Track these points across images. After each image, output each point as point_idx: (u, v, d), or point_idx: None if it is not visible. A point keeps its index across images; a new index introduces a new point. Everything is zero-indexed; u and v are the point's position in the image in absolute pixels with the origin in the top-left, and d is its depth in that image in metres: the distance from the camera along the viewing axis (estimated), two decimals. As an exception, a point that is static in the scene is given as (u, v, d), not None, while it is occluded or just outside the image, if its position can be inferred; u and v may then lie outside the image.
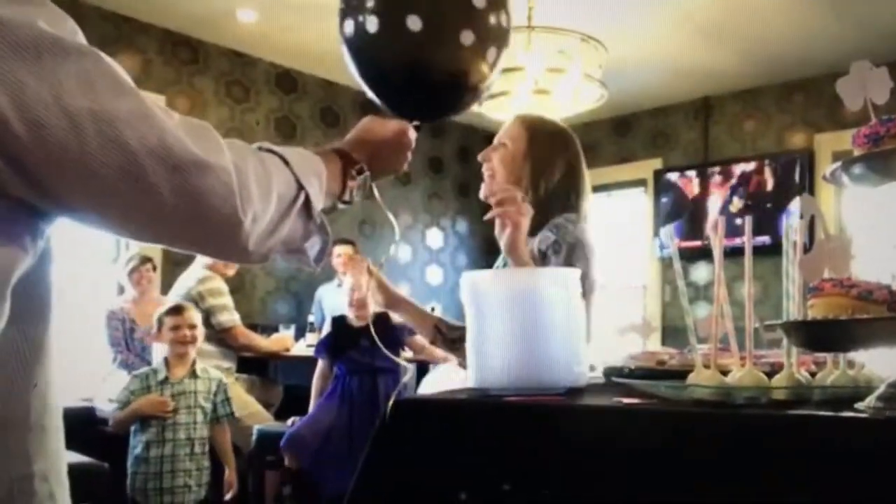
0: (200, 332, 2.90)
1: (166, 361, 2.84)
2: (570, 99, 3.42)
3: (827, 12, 3.98)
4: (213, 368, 3.01)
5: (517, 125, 1.78)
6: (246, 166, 0.75)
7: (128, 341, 3.49)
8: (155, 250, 3.95)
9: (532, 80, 3.29)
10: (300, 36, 4.27)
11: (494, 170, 1.73)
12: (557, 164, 1.75)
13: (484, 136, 6.06)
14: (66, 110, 0.63)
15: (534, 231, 1.65)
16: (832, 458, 0.81)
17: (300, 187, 0.83)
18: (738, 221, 4.54)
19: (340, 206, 0.97)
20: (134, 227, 0.73)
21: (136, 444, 2.75)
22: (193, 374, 2.83)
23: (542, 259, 1.63)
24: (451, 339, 1.70)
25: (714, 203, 5.20)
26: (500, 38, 1.05)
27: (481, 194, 1.72)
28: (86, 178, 0.64)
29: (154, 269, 3.66)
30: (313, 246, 0.90)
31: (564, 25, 3.34)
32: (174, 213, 0.69)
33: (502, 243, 1.52)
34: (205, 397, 2.83)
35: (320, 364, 3.07)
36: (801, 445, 0.83)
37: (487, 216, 1.54)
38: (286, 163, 0.82)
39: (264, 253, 0.82)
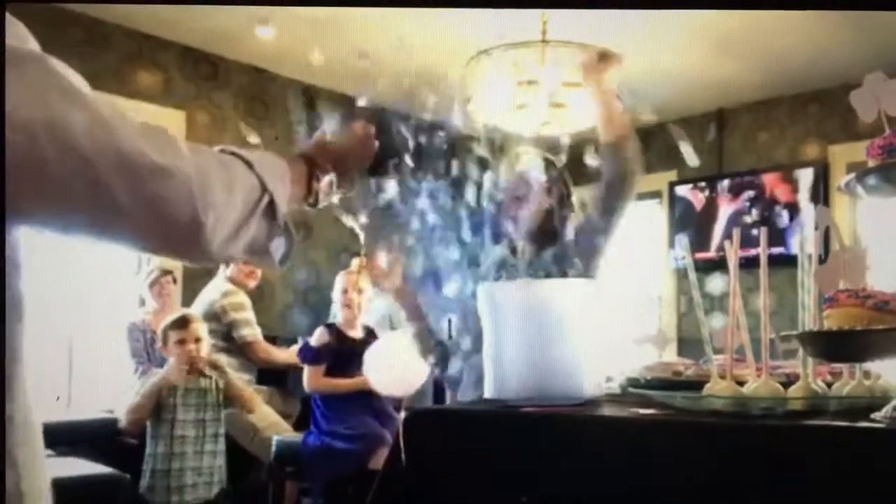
0: (206, 344, 2.90)
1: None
2: (585, 112, 3.43)
3: (840, 24, 3.98)
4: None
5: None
6: (207, 170, 0.76)
7: (149, 353, 3.53)
8: (175, 263, 3.99)
9: (547, 94, 3.31)
10: (318, 51, 4.32)
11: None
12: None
13: (500, 149, 6.06)
14: (20, 123, 0.63)
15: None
16: (849, 468, 0.81)
17: (264, 189, 0.83)
18: (754, 233, 4.52)
19: (307, 208, 0.99)
20: (96, 233, 0.73)
21: (149, 442, 2.78)
22: (201, 374, 2.84)
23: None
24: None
25: (728, 215, 5.18)
26: None
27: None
28: (44, 189, 0.65)
29: (174, 281, 3.70)
30: (278, 248, 0.90)
31: (579, 40, 3.36)
32: (134, 218, 0.70)
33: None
34: (213, 393, 2.85)
35: (316, 370, 2.98)
36: (817, 456, 0.83)
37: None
38: (250, 165, 0.83)
39: (226, 252, 0.82)
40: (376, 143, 1.09)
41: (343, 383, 2.89)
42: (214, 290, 3.55)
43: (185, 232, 0.74)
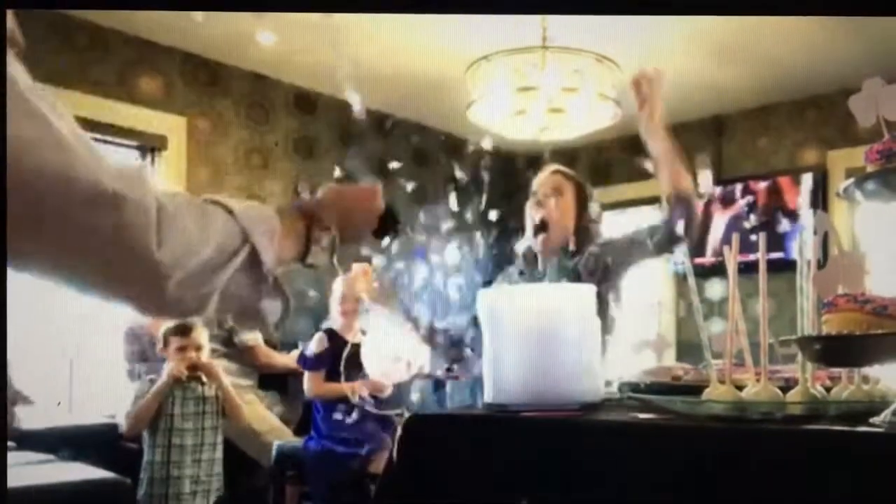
0: (206, 351, 2.91)
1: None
2: (584, 118, 3.44)
3: (838, 30, 3.99)
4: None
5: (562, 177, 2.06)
6: (175, 208, 0.71)
7: (147, 358, 3.53)
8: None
9: (547, 100, 3.32)
10: (319, 57, 4.33)
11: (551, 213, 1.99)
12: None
13: (501, 154, 6.08)
14: None
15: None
16: (848, 472, 0.81)
17: (245, 240, 0.77)
18: (752, 238, 4.52)
19: (303, 268, 0.91)
20: (48, 265, 0.68)
21: (146, 451, 2.78)
22: (200, 380, 2.85)
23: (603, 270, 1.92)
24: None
25: (727, 220, 5.19)
26: None
27: (538, 241, 1.99)
28: None
29: None
30: (272, 311, 0.84)
31: (579, 46, 3.37)
32: (84, 247, 0.66)
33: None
34: (211, 401, 2.85)
35: (316, 375, 2.99)
36: (816, 460, 0.84)
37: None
38: (231, 213, 0.77)
39: (193, 301, 0.75)
40: (383, 204, 1.01)
41: (343, 387, 2.90)
42: None
43: (139, 266, 0.68)
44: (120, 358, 3.59)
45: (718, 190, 5.25)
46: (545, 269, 1.97)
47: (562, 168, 2.13)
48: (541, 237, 1.95)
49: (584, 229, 2.00)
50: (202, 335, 2.90)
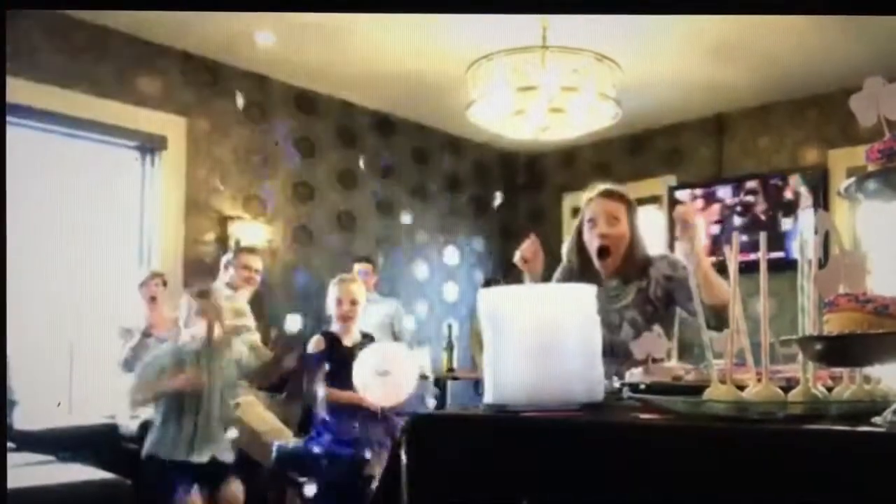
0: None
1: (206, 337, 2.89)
2: (584, 117, 3.44)
3: (839, 29, 3.99)
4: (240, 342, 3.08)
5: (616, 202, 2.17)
6: None
7: (141, 356, 3.54)
8: (166, 267, 4.04)
9: (547, 99, 3.32)
10: (318, 57, 4.33)
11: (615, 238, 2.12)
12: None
13: (500, 154, 6.08)
14: None
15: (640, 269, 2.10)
16: (849, 472, 0.81)
17: None
18: (753, 237, 4.52)
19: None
20: None
21: (157, 416, 2.84)
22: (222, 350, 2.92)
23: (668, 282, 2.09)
24: None
25: (728, 219, 5.18)
26: None
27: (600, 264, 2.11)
28: None
29: (164, 284, 3.71)
30: None
31: (579, 45, 3.37)
32: None
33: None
34: (228, 369, 2.92)
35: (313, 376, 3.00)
36: (817, 460, 0.83)
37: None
38: None
39: None
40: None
41: (345, 396, 2.90)
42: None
43: None
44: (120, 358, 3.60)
45: (725, 187, 5.26)
46: (619, 288, 2.10)
47: (613, 189, 2.21)
48: (604, 261, 2.10)
49: (642, 253, 2.16)
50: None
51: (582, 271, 2.13)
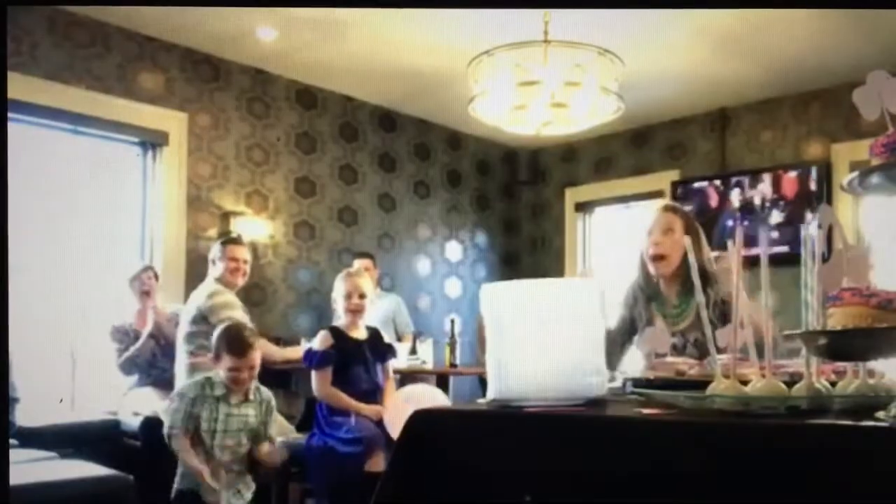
0: (257, 371, 2.81)
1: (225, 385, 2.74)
2: (587, 112, 3.42)
3: (843, 23, 3.97)
4: (264, 387, 2.92)
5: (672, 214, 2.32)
6: None
7: (135, 357, 3.54)
8: (156, 259, 4.04)
9: (549, 94, 3.30)
10: (319, 52, 4.32)
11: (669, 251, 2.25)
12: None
13: (502, 149, 6.07)
14: None
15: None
16: (852, 466, 0.81)
17: None
18: (757, 231, 4.51)
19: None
20: None
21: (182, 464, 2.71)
22: (247, 399, 2.76)
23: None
24: None
25: (731, 213, 5.17)
26: None
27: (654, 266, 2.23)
28: None
29: (156, 277, 3.69)
30: None
31: (581, 39, 3.35)
32: None
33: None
34: (255, 418, 2.78)
35: (324, 374, 2.97)
36: (821, 454, 0.83)
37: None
38: None
39: None
40: None
41: (354, 405, 2.90)
42: (202, 292, 3.53)
43: None
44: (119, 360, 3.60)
45: (729, 181, 5.25)
46: (679, 307, 2.21)
47: (671, 204, 2.46)
48: (658, 265, 2.24)
49: (702, 269, 2.15)
50: (256, 357, 2.72)
51: (643, 288, 2.26)
